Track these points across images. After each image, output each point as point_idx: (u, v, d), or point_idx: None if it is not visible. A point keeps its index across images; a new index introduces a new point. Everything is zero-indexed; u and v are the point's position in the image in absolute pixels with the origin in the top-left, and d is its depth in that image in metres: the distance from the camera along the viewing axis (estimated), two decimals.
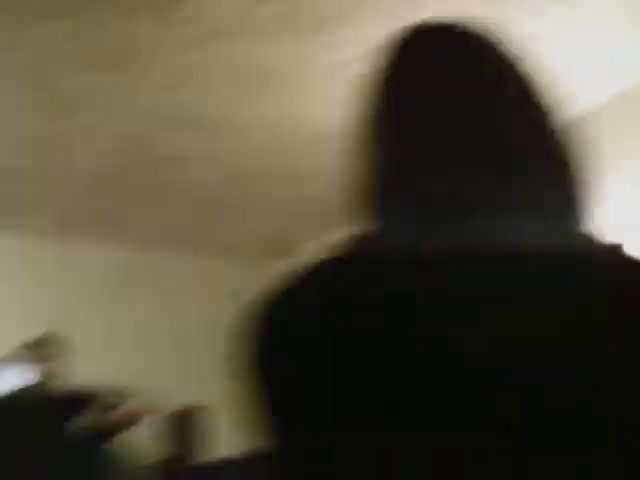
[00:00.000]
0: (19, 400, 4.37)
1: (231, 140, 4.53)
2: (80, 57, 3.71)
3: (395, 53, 0.96)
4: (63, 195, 5.22)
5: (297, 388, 0.80)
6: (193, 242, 6.12)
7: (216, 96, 4.12)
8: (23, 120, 4.30)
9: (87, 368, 5.59)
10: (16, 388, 4.49)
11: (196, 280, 6.49)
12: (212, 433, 5.65)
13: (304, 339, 0.80)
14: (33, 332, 5.49)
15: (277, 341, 0.83)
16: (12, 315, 5.70)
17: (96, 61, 3.77)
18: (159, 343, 6.21)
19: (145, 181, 5.01)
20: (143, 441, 5.67)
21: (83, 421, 4.38)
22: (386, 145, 0.92)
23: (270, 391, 0.83)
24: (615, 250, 0.84)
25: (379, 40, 3.59)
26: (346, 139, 4.48)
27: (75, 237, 5.93)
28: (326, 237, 6.02)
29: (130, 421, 4.47)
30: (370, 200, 0.92)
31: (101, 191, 5.14)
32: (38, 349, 4.46)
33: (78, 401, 4.47)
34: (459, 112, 0.89)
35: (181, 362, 6.20)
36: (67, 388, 4.92)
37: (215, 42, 3.65)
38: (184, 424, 5.51)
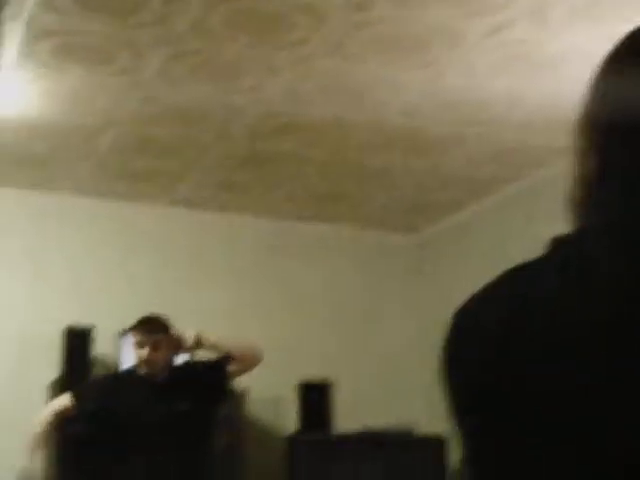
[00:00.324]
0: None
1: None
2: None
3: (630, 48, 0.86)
4: (211, 167, 5.38)
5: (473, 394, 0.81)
6: (343, 211, 6.19)
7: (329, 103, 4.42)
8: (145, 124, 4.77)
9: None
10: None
11: (340, 249, 6.46)
12: (336, 407, 5.71)
13: (487, 346, 0.80)
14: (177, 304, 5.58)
15: (461, 346, 0.85)
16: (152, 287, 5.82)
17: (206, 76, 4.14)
18: (303, 312, 6.25)
19: (292, 151, 5.12)
20: (276, 411, 5.82)
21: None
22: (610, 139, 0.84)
23: (451, 391, 0.85)
24: None
25: None
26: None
27: (224, 206, 6.07)
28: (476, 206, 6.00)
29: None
30: (581, 196, 0.87)
31: (249, 162, 5.30)
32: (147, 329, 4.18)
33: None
34: None
35: (323, 333, 6.24)
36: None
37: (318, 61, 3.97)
38: (315, 395, 5.56)
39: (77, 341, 5.25)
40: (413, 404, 6.01)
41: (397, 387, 6.16)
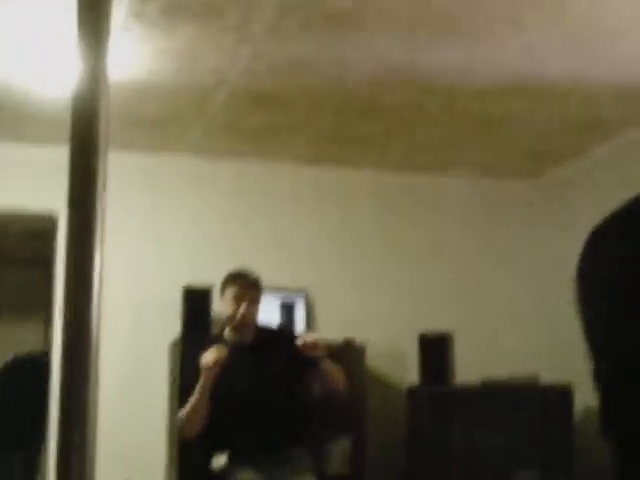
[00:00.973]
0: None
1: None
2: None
3: None
4: (326, 121, 5.28)
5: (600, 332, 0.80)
6: (460, 160, 6.04)
7: None
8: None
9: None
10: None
11: (459, 200, 6.34)
12: (457, 359, 5.66)
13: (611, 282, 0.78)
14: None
15: (588, 278, 0.83)
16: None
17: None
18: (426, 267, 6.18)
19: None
20: (396, 364, 5.79)
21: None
22: None
23: (584, 326, 0.83)
24: None
25: None
26: None
27: (340, 160, 5.97)
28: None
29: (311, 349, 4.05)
30: None
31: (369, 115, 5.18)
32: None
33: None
34: None
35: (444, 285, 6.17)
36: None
37: None
38: (437, 348, 5.52)
39: (197, 301, 5.28)
40: (537, 354, 5.89)
41: (520, 337, 6.05)
